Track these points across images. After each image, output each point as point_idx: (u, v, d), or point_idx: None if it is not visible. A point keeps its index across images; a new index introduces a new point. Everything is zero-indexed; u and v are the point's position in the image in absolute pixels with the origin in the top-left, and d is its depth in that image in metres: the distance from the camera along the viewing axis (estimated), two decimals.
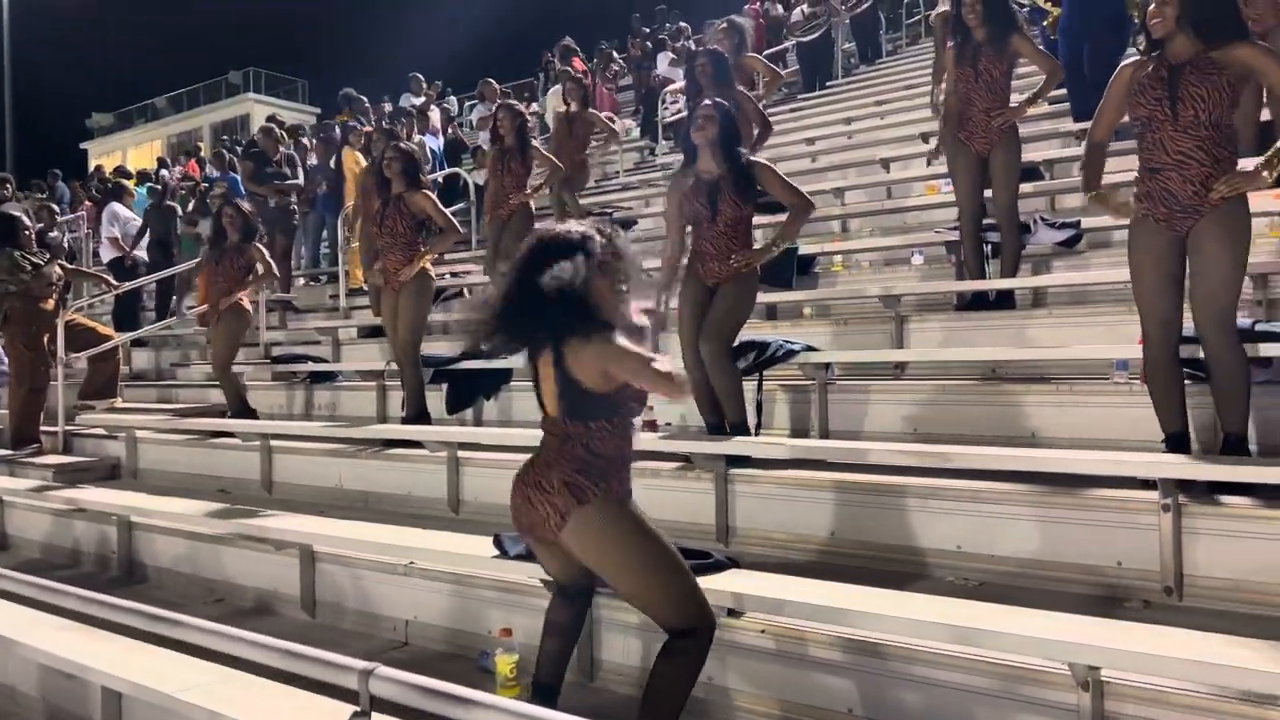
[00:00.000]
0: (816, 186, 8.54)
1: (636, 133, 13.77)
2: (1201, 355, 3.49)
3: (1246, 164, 3.36)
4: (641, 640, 3.25)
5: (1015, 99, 5.38)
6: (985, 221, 5.47)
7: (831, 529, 3.92)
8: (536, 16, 18.62)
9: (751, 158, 4.51)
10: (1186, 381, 3.76)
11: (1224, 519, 3.12)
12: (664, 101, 12.27)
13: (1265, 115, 5.20)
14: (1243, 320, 3.61)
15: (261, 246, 6.77)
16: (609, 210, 9.52)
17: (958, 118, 5.37)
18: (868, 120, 11.00)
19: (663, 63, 13.92)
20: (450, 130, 12.40)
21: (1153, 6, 3.41)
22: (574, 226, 2.64)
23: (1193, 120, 3.28)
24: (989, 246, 5.53)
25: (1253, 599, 3.05)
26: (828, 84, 13.70)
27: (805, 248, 6.69)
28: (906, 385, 4.87)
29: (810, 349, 4.84)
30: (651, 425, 5.01)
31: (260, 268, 6.69)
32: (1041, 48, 5.99)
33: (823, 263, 6.77)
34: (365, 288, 8.18)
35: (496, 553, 3.45)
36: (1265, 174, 3.22)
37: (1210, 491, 3.24)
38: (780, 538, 4.03)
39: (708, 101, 4.49)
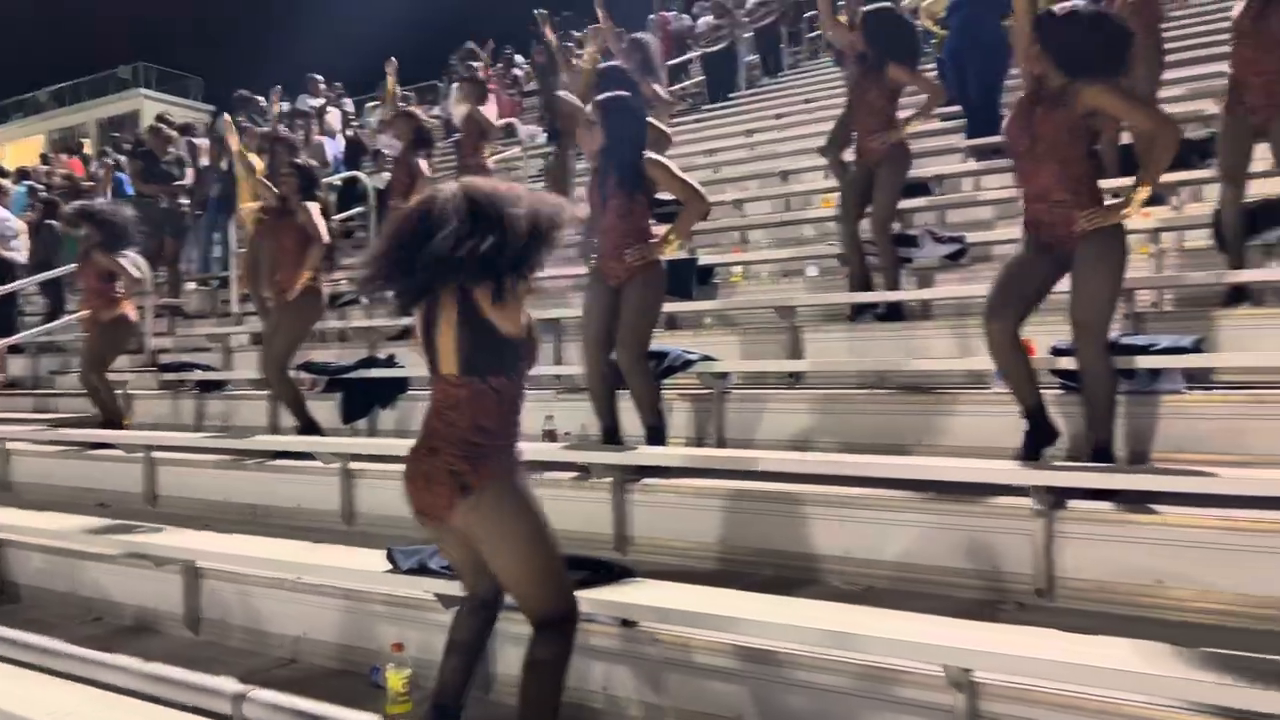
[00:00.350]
0: (718, 197, 8.70)
1: (542, 139, 13.73)
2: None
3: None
4: None
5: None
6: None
7: (726, 537, 3.99)
8: (445, 19, 18.39)
9: (647, 154, 4.53)
10: (1060, 392, 3.97)
11: (1090, 523, 3.29)
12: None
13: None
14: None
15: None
16: None
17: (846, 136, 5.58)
18: (768, 133, 11.22)
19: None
20: (350, 132, 12.15)
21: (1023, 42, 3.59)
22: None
23: (1049, 150, 3.45)
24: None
25: (1116, 599, 3.22)
26: (731, 95, 13.93)
27: (705, 258, 6.79)
28: (801, 394, 4.98)
29: (708, 359, 4.91)
30: (551, 435, 5.02)
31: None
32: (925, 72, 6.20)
33: (722, 273, 6.86)
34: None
35: (389, 567, 3.40)
36: (1126, 210, 3.41)
37: (1082, 498, 3.41)
38: (677, 546, 4.08)
39: (602, 96, 4.56)
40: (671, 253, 4.60)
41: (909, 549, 3.60)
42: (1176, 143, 3.50)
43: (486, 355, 2.54)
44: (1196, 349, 3.87)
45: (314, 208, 5.62)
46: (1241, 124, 4.48)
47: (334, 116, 12.10)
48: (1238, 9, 4.57)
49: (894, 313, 5.44)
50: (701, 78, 14.01)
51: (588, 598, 3.03)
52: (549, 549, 2.57)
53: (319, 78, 13.15)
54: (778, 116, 11.84)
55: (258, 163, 7.03)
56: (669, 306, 6.08)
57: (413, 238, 2.42)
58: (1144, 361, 3.79)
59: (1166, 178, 4.90)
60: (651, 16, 16.83)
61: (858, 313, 5.50)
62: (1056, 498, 3.33)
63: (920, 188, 7.04)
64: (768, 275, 7.08)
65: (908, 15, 5.50)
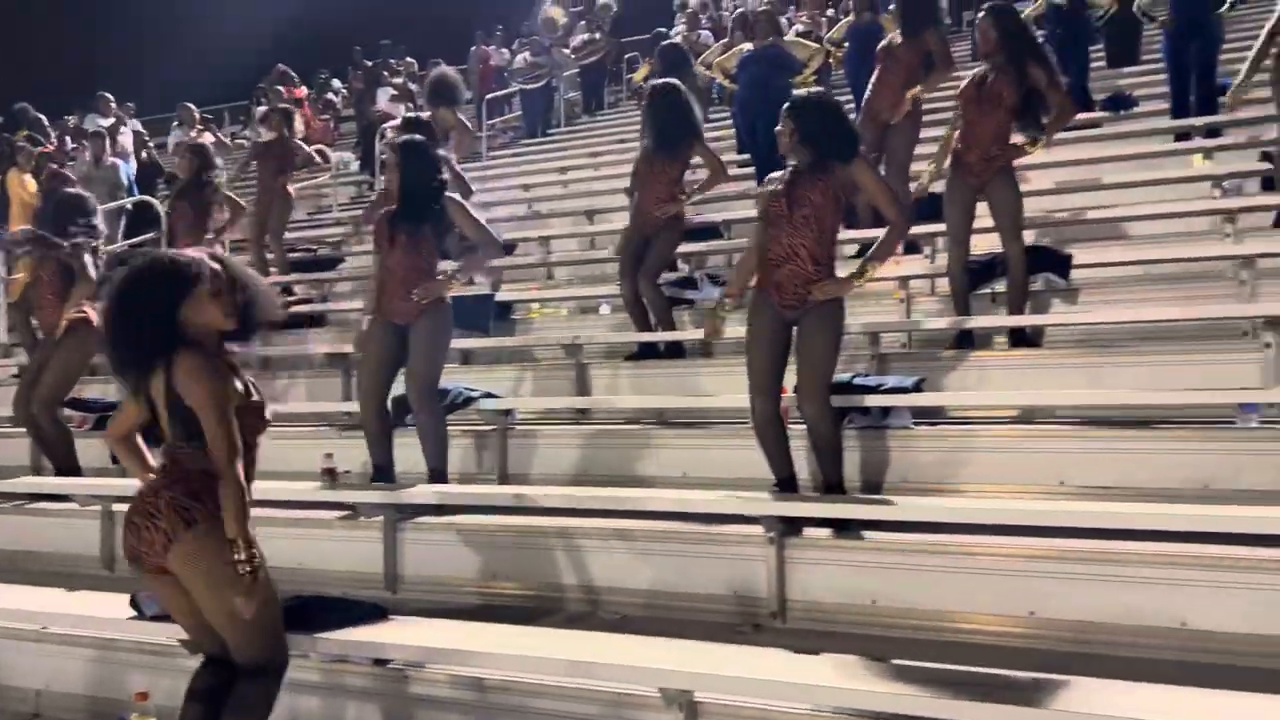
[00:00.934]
0: (528, 233, 8.88)
1: (355, 166, 13.54)
2: None
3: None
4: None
5: None
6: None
7: (495, 572, 4.11)
8: (259, 42, 17.82)
9: (448, 194, 4.62)
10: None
11: (816, 549, 3.60)
12: (383, 136, 12.18)
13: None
14: (843, 375, 4.20)
15: None
16: (313, 247, 9.35)
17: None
18: (583, 170, 11.50)
19: (383, 98, 13.82)
20: (145, 154, 11.62)
21: (778, 126, 3.95)
22: (186, 253, 2.66)
23: (803, 221, 3.80)
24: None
25: (840, 619, 3.53)
26: (549, 132, 14.19)
27: (503, 294, 6.92)
28: (584, 430, 5.18)
29: (490, 395, 5.03)
30: (330, 473, 4.98)
31: None
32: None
33: (521, 309, 7.01)
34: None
35: (133, 613, 3.32)
36: (856, 281, 3.78)
37: (819, 526, 3.72)
38: (447, 584, 4.15)
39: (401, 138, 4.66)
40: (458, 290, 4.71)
41: (664, 578, 3.82)
42: (905, 234, 3.94)
43: (194, 424, 2.57)
44: (917, 388, 4.30)
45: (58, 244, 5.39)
46: (963, 187, 5.02)
47: (127, 138, 11.53)
48: (964, 80, 5.14)
49: (676, 351, 5.72)
50: (519, 112, 14.22)
51: (339, 639, 3.08)
52: (268, 597, 2.61)
53: (109, 96, 12.50)
54: (593, 154, 12.16)
55: (30, 185, 6.68)
56: (465, 342, 6.21)
57: (125, 309, 2.54)
58: (870, 400, 4.17)
59: (920, 230, 5.46)
60: (473, 49, 16.98)
61: (642, 351, 5.76)
62: (788, 526, 3.63)
63: (711, 231, 7.45)
64: (567, 312, 7.28)
65: (686, 93, 5.77)
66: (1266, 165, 6.45)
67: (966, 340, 5.02)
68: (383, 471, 4.51)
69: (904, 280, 5.77)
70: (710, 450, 4.66)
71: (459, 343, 6.24)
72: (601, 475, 4.84)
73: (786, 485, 3.95)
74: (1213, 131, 7.68)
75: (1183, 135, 7.88)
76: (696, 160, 5.88)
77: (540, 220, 9.76)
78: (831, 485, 3.86)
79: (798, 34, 11.49)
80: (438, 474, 4.49)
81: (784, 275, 3.82)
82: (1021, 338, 4.97)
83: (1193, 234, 6.16)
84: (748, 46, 8.71)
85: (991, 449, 4.18)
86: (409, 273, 4.41)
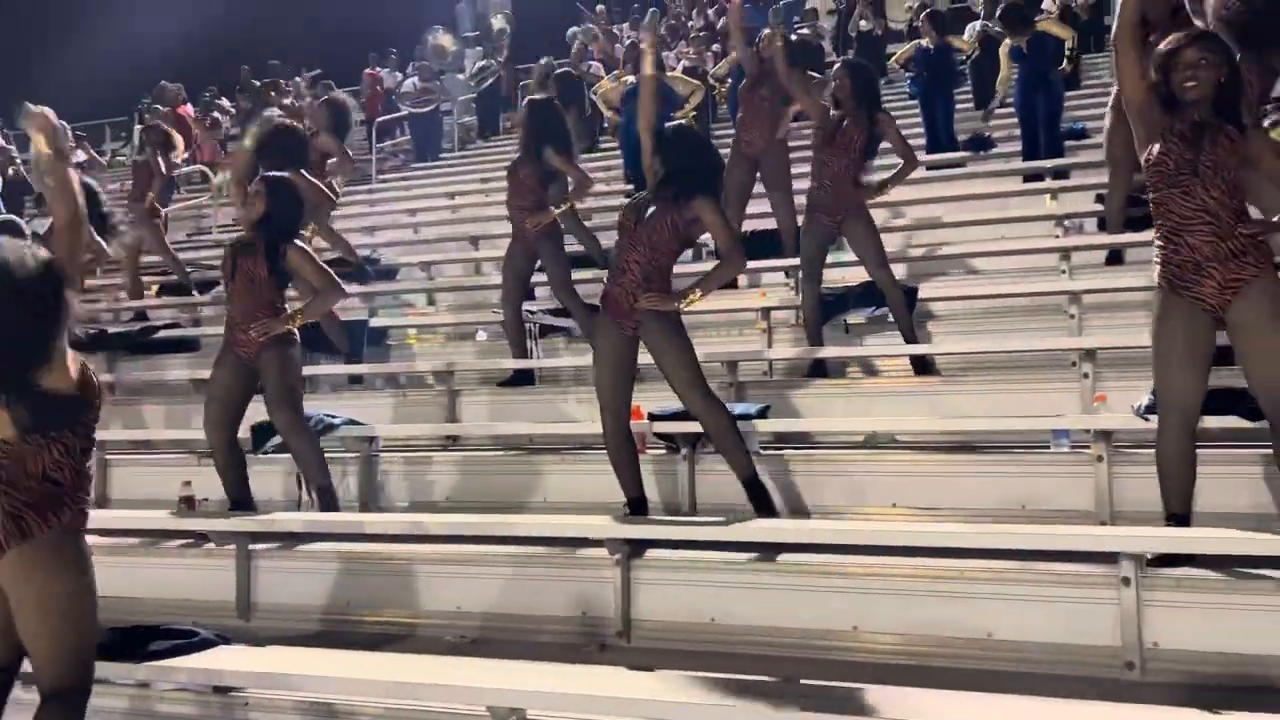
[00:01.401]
0: (409, 259, 8.88)
1: None
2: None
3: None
4: None
5: None
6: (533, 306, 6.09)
7: (351, 599, 4.12)
8: (144, 58, 17.35)
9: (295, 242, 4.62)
10: (663, 453, 4.48)
11: (661, 570, 3.74)
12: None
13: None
14: None
15: None
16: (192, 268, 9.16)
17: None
18: (472, 195, 11.54)
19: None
20: (11, 171, 11.20)
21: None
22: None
23: (644, 238, 3.97)
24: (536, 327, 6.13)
25: (683, 636, 3.67)
26: (442, 156, 14.21)
27: (379, 320, 6.93)
28: (451, 457, 5.23)
29: (352, 422, 5.04)
30: (188, 501, 4.92)
31: None
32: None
33: (397, 334, 7.02)
34: None
35: None
36: (678, 302, 3.94)
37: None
38: (303, 611, 4.15)
39: (263, 175, 4.66)
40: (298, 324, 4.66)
41: (515, 601, 3.90)
42: (739, 271, 4.20)
43: (44, 412, 2.52)
44: (762, 415, 4.51)
45: None
46: (820, 225, 5.30)
47: None
48: (819, 126, 5.42)
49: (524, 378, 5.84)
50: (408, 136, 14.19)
51: (178, 665, 3.08)
52: (90, 619, 2.60)
53: None
54: (484, 180, 12.20)
55: None
56: (335, 368, 6.20)
57: None
58: None
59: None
60: (365, 71, 16.88)
61: (513, 378, 5.85)
62: (634, 548, 3.76)
63: (587, 260, 7.59)
64: (444, 338, 7.31)
65: (557, 108, 5.95)
66: (1099, 206, 6.95)
67: (819, 370, 5.27)
68: (240, 504, 4.47)
69: (766, 311, 6.03)
70: (575, 475, 4.76)
71: (329, 369, 6.26)
72: (467, 501, 4.91)
73: (636, 506, 4.08)
74: (1060, 174, 8.24)
75: (1033, 177, 8.44)
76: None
77: (428, 245, 9.78)
78: (748, 480, 3.98)
79: (683, 69, 11.89)
80: (325, 491, 4.50)
81: (618, 290, 3.99)
82: (924, 366, 5.22)
83: (1037, 270, 6.59)
84: (631, 79, 8.98)
85: (833, 473, 4.40)
86: (250, 307, 4.42)
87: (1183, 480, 3.30)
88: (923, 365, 5.19)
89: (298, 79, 17.07)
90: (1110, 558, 3.20)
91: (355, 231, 10.41)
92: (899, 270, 6.50)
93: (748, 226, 6.86)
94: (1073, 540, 3.33)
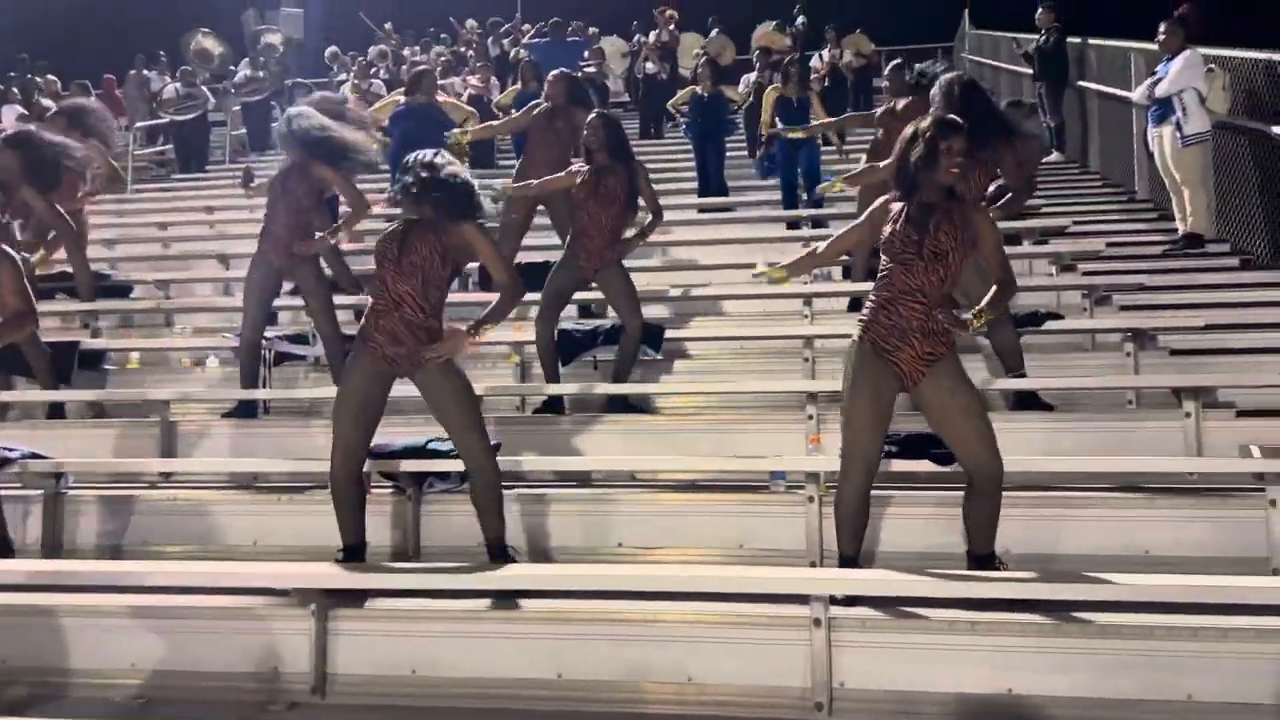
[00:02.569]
0: (149, 275, 8.15)
1: None
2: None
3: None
4: None
5: None
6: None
7: (6, 655, 3.63)
8: None
9: None
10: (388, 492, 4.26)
11: (360, 621, 3.52)
12: None
13: None
14: (417, 439, 4.21)
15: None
16: None
17: (261, 230, 5.56)
18: (237, 211, 10.82)
19: (9, 115, 12.31)
20: None
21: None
22: None
23: (410, 268, 3.76)
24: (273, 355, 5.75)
25: (382, 690, 3.46)
26: (206, 168, 13.34)
27: (94, 343, 6.31)
28: (156, 496, 4.77)
29: (36, 456, 4.51)
30: None
31: None
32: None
33: (117, 359, 6.40)
34: None
35: None
36: (468, 339, 3.76)
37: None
38: None
39: None
40: None
41: (199, 655, 3.55)
42: (519, 298, 3.98)
43: None
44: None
45: None
46: (576, 269, 5.23)
47: None
48: (580, 179, 5.33)
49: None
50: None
51: None
52: None
53: None
54: (250, 195, 11.49)
55: None
56: (31, 395, 5.57)
57: None
58: (443, 465, 4.19)
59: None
60: (131, 73, 15.68)
61: (239, 410, 5.45)
62: (332, 597, 3.51)
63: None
64: (187, 363, 6.74)
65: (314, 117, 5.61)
66: (847, 258, 7.33)
67: (556, 405, 5.22)
68: None
69: (519, 345, 5.92)
70: (282, 518, 4.45)
71: (19, 396, 5.63)
72: (170, 545, 4.49)
73: (354, 553, 3.84)
74: (819, 223, 8.66)
75: (793, 224, 8.84)
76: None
77: (176, 262, 9.06)
78: (496, 542, 3.80)
79: (469, 97, 11.75)
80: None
81: (390, 323, 3.76)
82: (626, 405, 5.25)
83: (785, 314, 6.84)
84: (401, 100, 8.72)
85: (562, 514, 4.32)
86: None
87: (858, 524, 3.49)
88: (625, 405, 5.25)
89: (50, 76, 15.65)
90: (802, 599, 3.28)
91: (94, 243, 9.55)
92: (657, 310, 6.63)
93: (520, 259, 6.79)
94: (761, 583, 3.38)
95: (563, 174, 5.57)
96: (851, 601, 3.33)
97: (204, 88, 12.68)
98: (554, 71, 7.24)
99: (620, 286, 5.31)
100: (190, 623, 3.57)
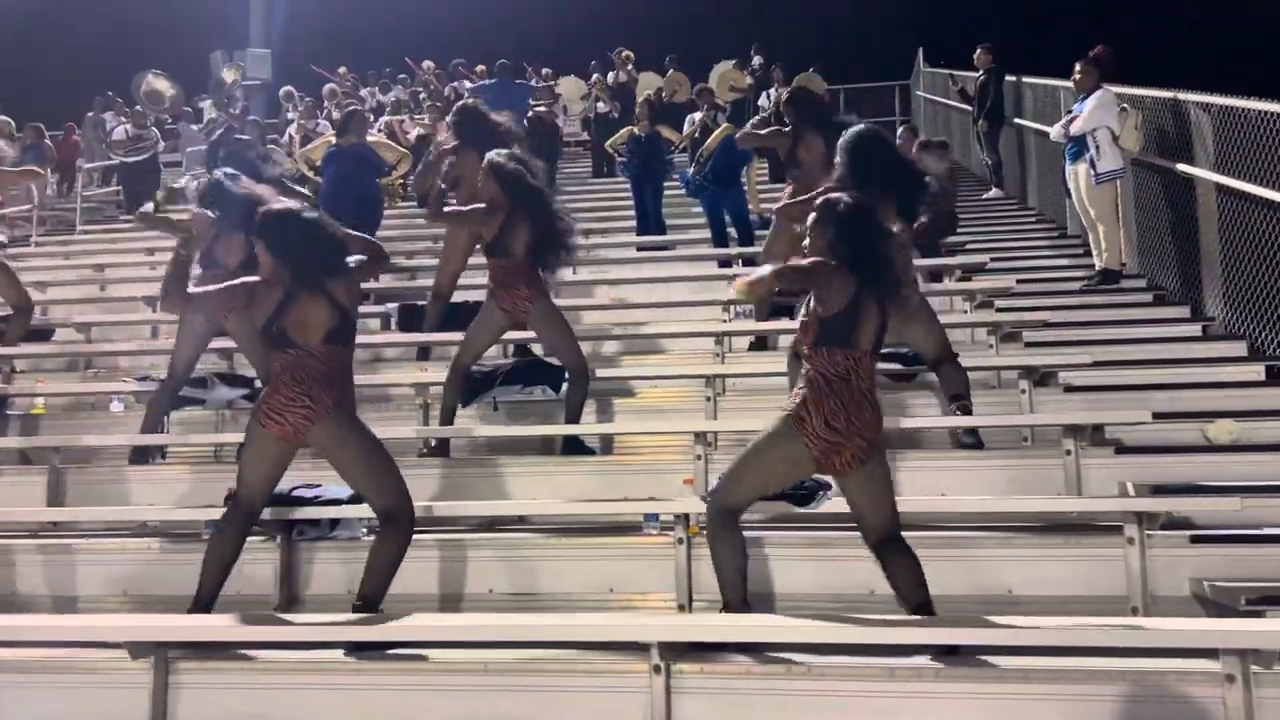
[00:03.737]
0: (92, 318, 8.09)
1: None
2: None
3: None
4: None
5: None
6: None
7: None
8: None
9: None
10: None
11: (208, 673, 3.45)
12: None
13: None
14: (284, 486, 4.16)
15: None
16: None
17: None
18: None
19: None
20: None
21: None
22: None
23: None
24: None
25: None
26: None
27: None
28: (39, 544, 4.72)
29: None
30: None
31: None
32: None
33: (23, 404, 6.34)
34: None
35: None
36: None
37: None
38: None
39: None
40: None
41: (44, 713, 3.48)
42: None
43: None
44: (353, 501, 4.34)
45: None
46: (499, 312, 5.19)
47: None
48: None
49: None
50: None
51: None
52: None
53: None
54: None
55: None
56: None
57: None
58: (306, 512, 4.15)
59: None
60: (89, 115, 15.76)
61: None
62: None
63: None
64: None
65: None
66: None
67: (444, 449, 5.21)
68: None
69: (423, 386, 5.88)
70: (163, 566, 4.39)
71: None
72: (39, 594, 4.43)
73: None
74: (749, 261, 8.71)
75: (725, 263, 8.88)
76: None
77: (116, 304, 9.04)
78: (368, 603, 3.70)
79: (418, 135, 11.82)
80: None
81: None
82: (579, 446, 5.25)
83: (706, 352, 6.82)
84: (333, 140, 8.73)
85: (436, 558, 4.27)
86: None
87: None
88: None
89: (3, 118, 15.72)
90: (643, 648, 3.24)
91: (29, 285, 9.50)
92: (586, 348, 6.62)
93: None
94: (601, 631, 3.34)
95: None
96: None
97: (154, 129, 12.70)
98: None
99: (551, 332, 5.30)
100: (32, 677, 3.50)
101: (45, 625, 3.71)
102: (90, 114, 15.85)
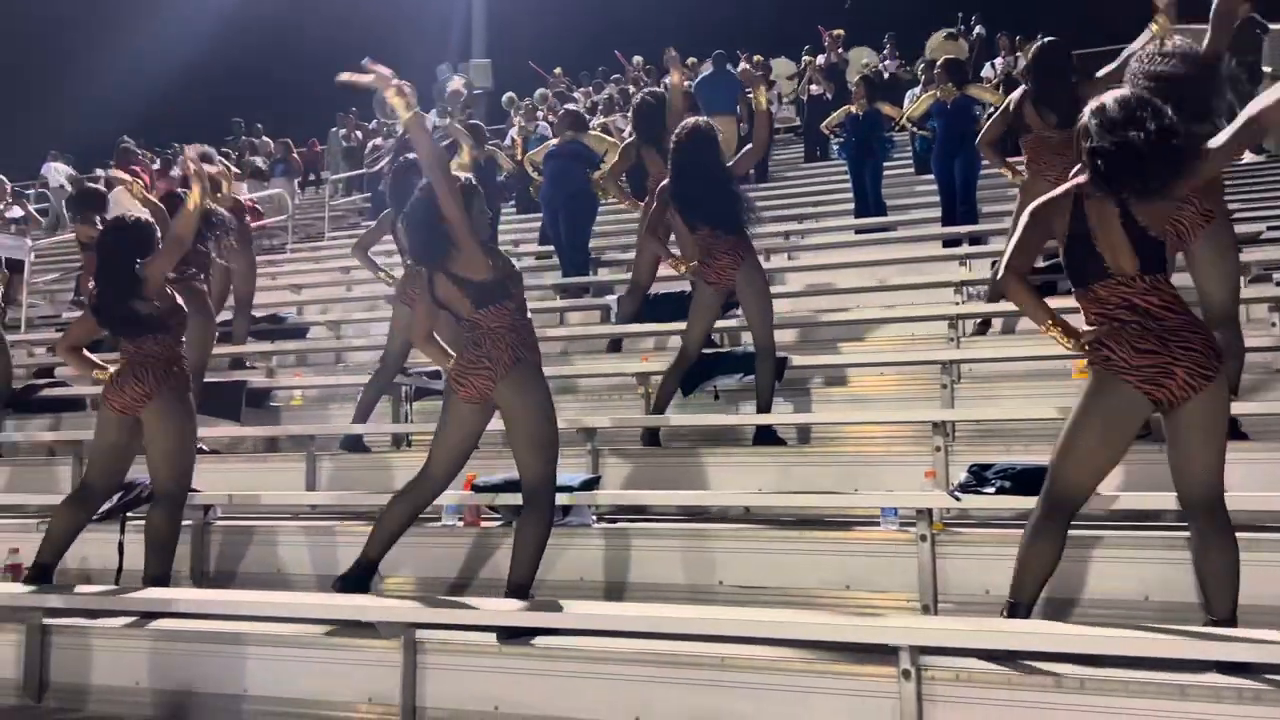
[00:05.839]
0: (340, 316, 8.71)
1: None
2: None
3: None
4: None
5: None
6: None
7: None
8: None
9: None
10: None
11: None
12: None
13: None
14: None
15: None
16: None
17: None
18: None
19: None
20: None
21: None
22: None
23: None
24: None
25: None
26: None
27: (263, 380, 6.80)
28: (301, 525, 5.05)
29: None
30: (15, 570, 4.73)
31: None
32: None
33: (283, 397, 6.87)
34: None
35: None
36: None
37: None
38: None
39: None
40: None
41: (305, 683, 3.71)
42: None
43: None
44: (587, 486, 4.35)
45: None
46: (706, 294, 5.07)
47: None
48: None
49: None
50: None
51: None
52: None
53: None
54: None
55: None
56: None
57: None
58: None
59: None
60: (333, 129, 17.06)
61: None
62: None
63: None
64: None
65: None
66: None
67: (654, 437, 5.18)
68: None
69: (644, 376, 5.86)
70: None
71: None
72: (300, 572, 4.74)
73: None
74: (976, 240, 8.17)
75: (952, 242, 8.37)
76: None
77: (358, 303, 9.68)
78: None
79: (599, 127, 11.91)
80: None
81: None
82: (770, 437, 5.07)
83: (936, 337, 6.40)
84: (554, 142, 8.94)
85: (663, 548, 4.22)
86: None
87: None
88: (766, 436, 5.04)
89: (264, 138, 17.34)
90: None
91: (282, 288, 10.39)
92: (791, 335, 6.43)
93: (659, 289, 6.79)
94: (852, 631, 3.15)
95: None
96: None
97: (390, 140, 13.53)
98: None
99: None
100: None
101: (313, 604, 3.92)
102: (334, 129, 17.21)
